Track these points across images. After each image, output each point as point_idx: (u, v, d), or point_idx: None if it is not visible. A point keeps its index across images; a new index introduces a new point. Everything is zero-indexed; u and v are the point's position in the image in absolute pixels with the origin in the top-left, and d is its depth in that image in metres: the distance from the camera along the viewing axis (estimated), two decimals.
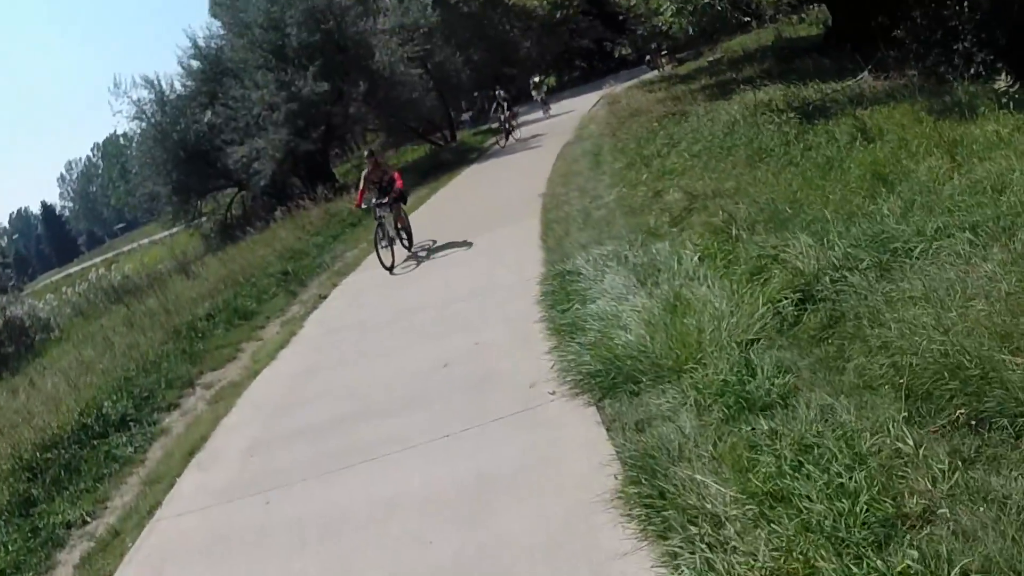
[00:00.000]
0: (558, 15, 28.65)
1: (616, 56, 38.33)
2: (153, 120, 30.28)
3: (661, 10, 15.97)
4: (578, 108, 32.94)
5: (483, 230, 14.17)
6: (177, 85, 31.56)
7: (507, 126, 30.15)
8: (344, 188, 27.24)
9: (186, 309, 15.13)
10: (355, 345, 9.95)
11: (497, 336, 8.26)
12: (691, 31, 16.56)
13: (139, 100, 30.34)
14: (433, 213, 18.87)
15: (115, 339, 15.35)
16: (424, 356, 8.48)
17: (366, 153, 14.94)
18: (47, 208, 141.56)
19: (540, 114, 35.23)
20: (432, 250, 14.06)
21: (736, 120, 13.93)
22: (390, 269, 13.21)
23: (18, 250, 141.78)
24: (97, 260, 71.71)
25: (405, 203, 14.88)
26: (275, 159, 26.76)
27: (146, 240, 62.19)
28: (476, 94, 47.49)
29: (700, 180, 10.88)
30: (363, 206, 14.54)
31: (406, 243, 14.43)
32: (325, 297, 13.18)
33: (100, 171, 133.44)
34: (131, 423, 9.86)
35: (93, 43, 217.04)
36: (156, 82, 30.43)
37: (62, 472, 8.86)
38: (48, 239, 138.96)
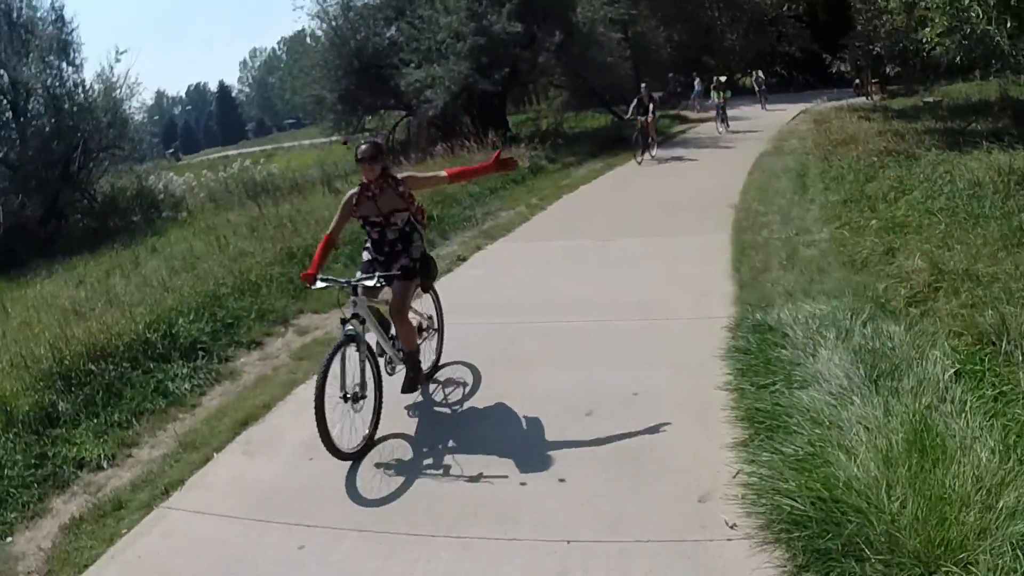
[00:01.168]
0: (783, 8, 25.65)
1: (833, 72, 35.31)
2: (334, 23, 29.17)
3: (930, 26, 13.24)
4: (775, 118, 30.27)
5: (659, 230, 12.29)
6: None
7: (641, 135, 21.49)
8: (515, 139, 25.46)
9: (311, 229, 13.62)
10: (478, 336, 8.07)
11: (663, 388, 6.22)
12: (958, 58, 13.87)
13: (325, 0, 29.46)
14: (602, 193, 17.03)
15: (231, 240, 14.09)
16: (561, 385, 6.52)
17: (359, 150, 6.33)
18: (223, 89, 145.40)
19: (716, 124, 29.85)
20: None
21: (982, 183, 11.43)
22: (348, 455, 5.68)
23: (187, 121, 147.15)
24: (256, 149, 72.75)
25: (430, 276, 6.80)
26: (450, 91, 25.12)
27: (307, 142, 62.07)
28: (671, 75, 45.09)
29: (944, 249, 8.55)
30: (318, 283, 6.24)
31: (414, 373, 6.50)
32: (464, 260, 11.49)
33: (282, 65, 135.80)
34: (200, 352, 8.39)
35: None
36: None
37: (100, 392, 7.38)
38: (219, 118, 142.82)
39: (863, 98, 35.22)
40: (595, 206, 15.40)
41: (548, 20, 26.49)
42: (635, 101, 21.90)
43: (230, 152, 77.40)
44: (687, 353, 6.86)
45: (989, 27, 12.41)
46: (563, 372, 6.83)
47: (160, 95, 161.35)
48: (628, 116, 22.48)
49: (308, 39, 33.19)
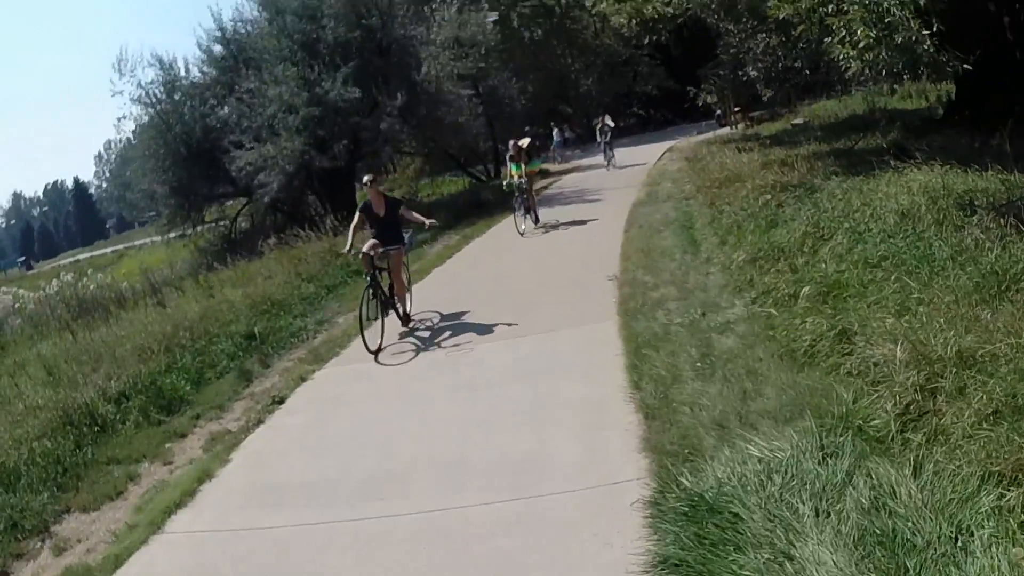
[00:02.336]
0: (644, 40, 23.93)
1: (699, 104, 34.12)
2: (158, 107, 26.01)
3: (855, 38, 11.12)
4: (641, 159, 28.51)
5: (527, 324, 9.74)
6: (195, 71, 27.58)
7: (520, 198, 17.21)
8: None
9: (103, 373, 10.99)
10: (265, 561, 5.46)
11: None
12: (879, 72, 11.92)
13: (151, 82, 26.28)
14: (456, 278, 14.26)
15: (22, 390, 11.32)
16: None
17: None
18: (79, 186, 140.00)
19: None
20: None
21: (912, 212, 9.44)
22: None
23: (43, 224, 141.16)
24: (108, 250, 68.97)
25: None
26: (285, 172, 22.35)
27: (159, 238, 58.82)
28: (528, 128, 43.74)
29: (909, 316, 6.30)
30: None
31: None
32: (282, 402, 8.69)
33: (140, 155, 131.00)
34: None
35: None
36: (171, 63, 26.41)
37: None
38: (77, 217, 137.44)
39: (727, 128, 34.32)
40: (447, 297, 12.53)
41: (391, 81, 24.20)
42: (508, 158, 17.92)
43: (81, 256, 73.34)
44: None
45: (924, 33, 10.48)
46: None
47: (17, 197, 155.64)
48: (506, 181, 17.78)
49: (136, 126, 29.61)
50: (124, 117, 47.42)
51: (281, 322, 12.19)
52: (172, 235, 28.94)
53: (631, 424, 6.05)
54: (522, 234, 16.49)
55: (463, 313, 10.95)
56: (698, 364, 6.71)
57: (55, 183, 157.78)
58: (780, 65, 20.47)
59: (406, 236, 11.08)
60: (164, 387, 9.86)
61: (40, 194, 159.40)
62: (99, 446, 8.56)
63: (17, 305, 27.43)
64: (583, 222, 17.22)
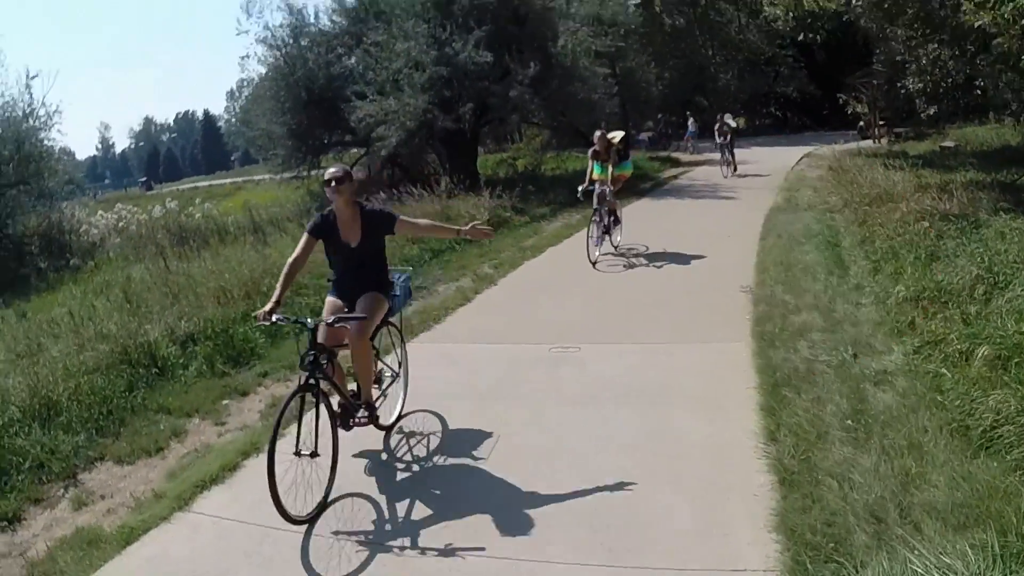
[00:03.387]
0: (797, 36, 22.46)
1: (848, 112, 32.42)
2: (283, 50, 25.75)
3: None
4: (767, 168, 26.73)
5: (643, 330, 8.74)
6: (324, 19, 27.40)
7: (597, 213, 13.10)
8: (484, 183, 21.79)
9: (185, 307, 10.47)
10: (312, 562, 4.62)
11: None
12: None
13: (280, 25, 26.22)
14: (572, 261, 12.99)
15: (99, 313, 10.93)
16: None
17: None
18: (208, 117, 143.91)
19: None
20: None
21: None
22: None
23: (170, 149, 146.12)
24: (226, 181, 70.09)
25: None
26: (405, 127, 21.56)
27: (278, 176, 59.34)
28: (660, 115, 42.31)
29: None
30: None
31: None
32: None
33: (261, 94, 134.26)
34: None
35: None
36: (301, 9, 26.51)
37: None
38: (203, 147, 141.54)
39: (870, 141, 32.37)
40: (560, 281, 11.78)
41: (525, 51, 23.19)
42: (589, 154, 13.77)
43: (201, 183, 74.78)
44: None
45: None
46: None
47: (148, 121, 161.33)
48: (582, 186, 13.27)
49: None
50: (247, 56, 48.13)
51: None
52: (287, 175, 28.59)
53: (761, 488, 4.88)
54: (594, 264, 12.49)
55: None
56: (848, 422, 5.48)
57: (186, 112, 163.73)
58: (950, 80, 18.73)
59: (398, 282, 6.57)
60: (236, 336, 9.23)
61: (171, 121, 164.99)
62: (152, 391, 7.97)
63: (121, 225, 27.61)
64: (715, 222, 16.03)
